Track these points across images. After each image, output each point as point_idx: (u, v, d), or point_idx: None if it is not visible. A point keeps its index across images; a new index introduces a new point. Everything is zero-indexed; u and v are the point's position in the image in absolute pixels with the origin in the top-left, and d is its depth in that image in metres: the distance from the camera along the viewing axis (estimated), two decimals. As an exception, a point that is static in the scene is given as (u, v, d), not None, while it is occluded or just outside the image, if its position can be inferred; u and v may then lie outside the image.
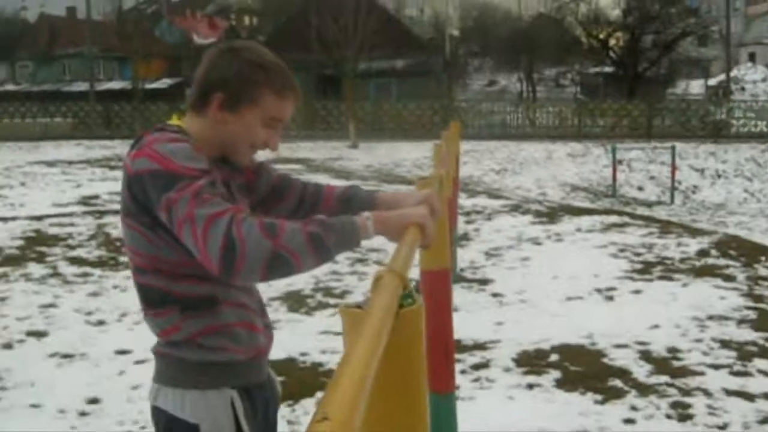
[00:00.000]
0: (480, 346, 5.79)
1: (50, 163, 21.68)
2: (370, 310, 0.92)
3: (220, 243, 1.65)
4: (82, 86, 46.97)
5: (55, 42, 57.21)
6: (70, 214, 12.16)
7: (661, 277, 7.95)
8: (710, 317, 6.44)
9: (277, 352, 5.64)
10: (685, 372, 5.16)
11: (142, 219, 1.87)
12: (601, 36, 48.16)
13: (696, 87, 51.42)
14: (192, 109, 2.03)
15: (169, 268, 1.91)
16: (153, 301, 1.96)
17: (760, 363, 5.34)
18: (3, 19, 70.14)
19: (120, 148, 27.62)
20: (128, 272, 6.74)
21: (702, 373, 5.13)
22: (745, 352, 5.56)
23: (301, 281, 7.84)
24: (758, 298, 7.09)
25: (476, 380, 5.09)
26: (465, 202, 13.09)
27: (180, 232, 1.74)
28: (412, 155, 23.85)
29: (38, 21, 63.34)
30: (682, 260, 8.77)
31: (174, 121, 2.03)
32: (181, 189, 1.74)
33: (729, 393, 4.80)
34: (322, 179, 17.19)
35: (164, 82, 48.03)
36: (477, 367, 5.33)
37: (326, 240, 1.70)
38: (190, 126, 1.99)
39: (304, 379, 5.11)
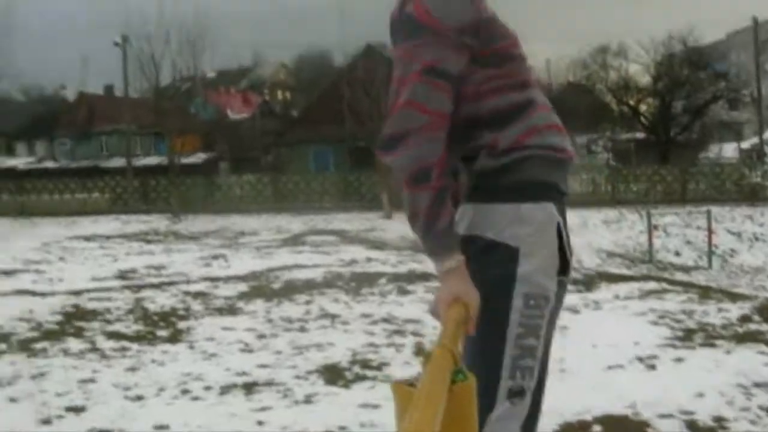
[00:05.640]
0: (521, 418, 5.69)
1: (88, 238, 22.00)
2: (424, 387, 0.91)
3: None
4: (119, 162, 47.80)
5: (93, 119, 58.45)
6: (108, 289, 12.28)
7: (703, 345, 7.82)
8: (756, 384, 6.29)
9: (315, 426, 5.61)
10: (733, 442, 5.04)
11: None
12: (632, 102, 48.29)
13: (729, 150, 51.13)
14: None
15: None
16: None
17: (810, 432, 5.20)
18: (43, 97, 72.00)
19: (156, 222, 27.96)
20: (166, 347, 6.73)
21: (750, 443, 5.01)
22: (794, 421, 5.42)
23: (338, 354, 7.81)
24: (805, 365, 6.93)
25: (518, 453, 4.99)
26: (500, 270, 12.96)
27: None
28: (446, 224, 23.80)
29: (77, 99, 64.87)
30: (723, 326, 8.62)
31: None
32: None
33: (780, 464, 4.68)
34: (357, 250, 17.23)
35: (199, 157, 48.70)
36: (519, 439, 5.23)
37: (429, 227, 1.83)
38: None
39: (344, 453, 5.05)
